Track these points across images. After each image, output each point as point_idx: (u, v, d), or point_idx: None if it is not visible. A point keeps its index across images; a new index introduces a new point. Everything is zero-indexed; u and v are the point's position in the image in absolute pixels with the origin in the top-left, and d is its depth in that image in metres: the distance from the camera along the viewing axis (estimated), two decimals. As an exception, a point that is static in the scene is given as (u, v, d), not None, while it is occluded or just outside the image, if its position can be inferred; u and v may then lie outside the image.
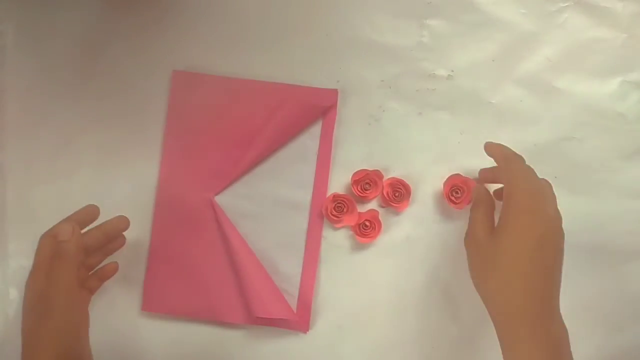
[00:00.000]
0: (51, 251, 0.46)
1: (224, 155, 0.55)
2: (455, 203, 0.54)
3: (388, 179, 0.55)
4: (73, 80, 0.56)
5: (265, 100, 0.55)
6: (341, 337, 0.55)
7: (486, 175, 0.52)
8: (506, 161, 0.47)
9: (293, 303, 0.55)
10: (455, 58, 0.55)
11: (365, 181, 0.55)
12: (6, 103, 0.56)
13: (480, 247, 0.45)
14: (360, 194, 0.54)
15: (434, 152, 0.55)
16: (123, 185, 0.55)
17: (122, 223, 0.50)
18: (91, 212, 0.49)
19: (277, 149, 0.55)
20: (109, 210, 0.55)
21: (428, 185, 0.55)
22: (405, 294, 0.55)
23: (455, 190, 0.54)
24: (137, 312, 0.55)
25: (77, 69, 0.56)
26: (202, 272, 0.55)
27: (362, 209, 0.56)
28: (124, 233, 0.51)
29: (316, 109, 0.54)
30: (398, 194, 0.55)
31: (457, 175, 0.54)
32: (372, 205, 0.56)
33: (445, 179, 0.54)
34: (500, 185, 0.52)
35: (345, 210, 0.55)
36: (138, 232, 0.54)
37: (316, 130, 0.55)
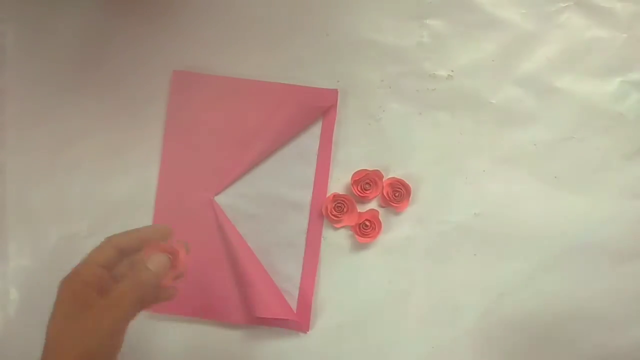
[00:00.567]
0: (109, 260, 0.42)
1: (224, 155, 0.55)
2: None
3: (388, 179, 0.55)
4: (73, 80, 0.56)
5: (265, 100, 0.55)
6: (341, 337, 0.55)
7: None
8: None
9: (293, 303, 0.55)
10: (455, 58, 0.55)
11: (365, 181, 0.55)
12: (6, 103, 0.56)
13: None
14: (360, 194, 0.54)
15: (434, 152, 0.55)
16: (123, 185, 0.55)
17: (163, 230, 0.45)
18: (161, 233, 0.45)
19: (277, 149, 0.55)
20: (109, 210, 0.55)
21: (428, 185, 0.55)
22: (405, 294, 0.55)
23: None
24: (142, 313, 0.55)
25: (77, 69, 0.56)
26: (202, 272, 0.55)
27: (362, 209, 0.56)
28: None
29: (316, 109, 0.54)
30: (398, 194, 0.55)
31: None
32: (372, 205, 0.56)
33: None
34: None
35: (345, 210, 0.55)
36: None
37: (316, 130, 0.55)
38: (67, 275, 0.42)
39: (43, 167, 0.56)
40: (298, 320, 0.54)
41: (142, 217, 0.55)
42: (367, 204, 0.56)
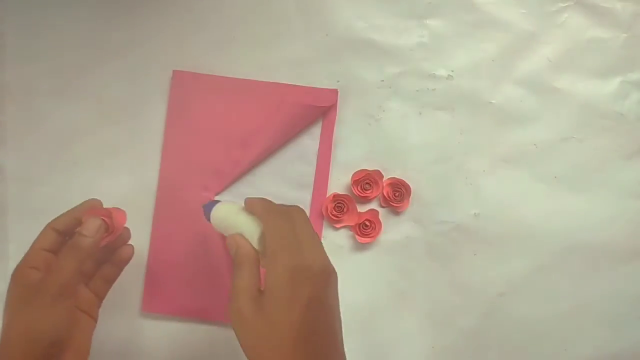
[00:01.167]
0: (52, 243, 0.44)
1: (224, 155, 0.55)
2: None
3: (388, 179, 0.55)
4: (73, 80, 0.56)
5: (265, 100, 0.55)
6: None
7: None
8: (266, 213, 0.42)
9: None
10: (455, 58, 0.55)
11: (366, 181, 0.55)
12: (6, 103, 0.56)
13: (249, 323, 0.38)
14: (361, 194, 0.54)
15: (434, 152, 0.55)
16: (123, 186, 0.55)
17: (92, 203, 0.47)
18: (93, 206, 0.47)
19: (277, 149, 0.55)
20: (109, 210, 0.55)
21: (428, 185, 0.55)
22: (405, 294, 0.55)
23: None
24: (137, 312, 0.55)
25: (77, 69, 0.56)
26: (202, 272, 0.55)
27: (362, 209, 0.56)
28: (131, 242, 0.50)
29: (316, 109, 0.54)
30: (398, 193, 0.55)
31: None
32: (372, 205, 0.56)
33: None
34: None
35: (345, 210, 0.55)
36: (138, 233, 0.54)
37: (316, 130, 0.55)
38: (17, 266, 0.44)
39: (43, 167, 0.56)
40: None
41: (142, 217, 0.55)
42: (367, 204, 0.56)
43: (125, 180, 0.55)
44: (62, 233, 0.45)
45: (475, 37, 0.55)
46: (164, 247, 0.55)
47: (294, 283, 0.38)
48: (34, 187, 0.55)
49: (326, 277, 0.40)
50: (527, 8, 0.55)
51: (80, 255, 0.43)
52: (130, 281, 0.55)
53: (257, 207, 0.43)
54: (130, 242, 0.51)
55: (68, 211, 0.46)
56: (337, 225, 0.55)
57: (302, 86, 0.55)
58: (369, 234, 0.54)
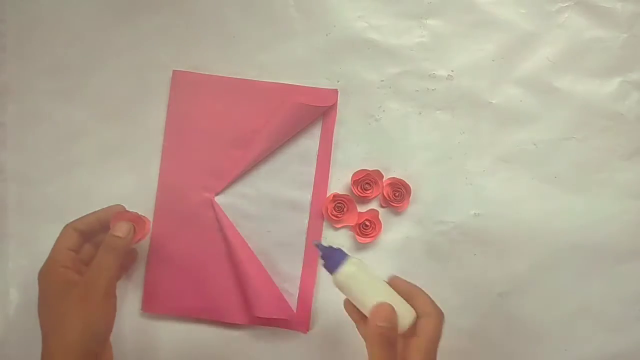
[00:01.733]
0: (75, 243, 0.47)
1: (224, 155, 0.55)
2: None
3: (388, 179, 0.55)
4: (73, 80, 0.56)
5: (266, 100, 0.55)
6: (341, 337, 0.55)
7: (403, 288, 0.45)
8: (433, 308, 0.44)
9: (293, 303, 0.55)
10: (455, 58, 0.55)
11: (366, 181, 0.55)
12: (6, 103, 0.56)
13: None
14: (361, 194, 0.54)
15: (434, 152, 0.55)
16: (123, 186, 0.55)
17: (115, 209, 0.50)
18: (118, 211, 0.50)
19: (277, 149, 0.55)
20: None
21: (428, 185, 0.55)
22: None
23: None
24: (138, 313, 0.55)
25: (77, 69, 0.56)
26: (202, 272, 0.55)
27: (363, 209, 0.56)
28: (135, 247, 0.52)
29: (316, 109, 0.54)
30: (398, 194, 0.55)
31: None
32: (373, 205, 0.56)
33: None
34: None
35: (345, 210, 0.55)
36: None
37: (316, 130, 0.55)
38: (44, 266, 0.46)
39: (43, 167, 0.56)
40: (298, 320, 0.54)
41: (142, 217, 0.55)
42: (367, 204, 0.56)
43: (125, 180, 0.55)
44: (84, 233, 0.48)
45: (475, 37, 0.55)
46: (164, 247, 0.55)
47: None
48: (34, 187, 0.55)
49: None
50: (527, 8, 0.55)
51: (118, 255, 0.46)
52: (130, 282, 0.55)
53: (421, 299, 0.44)
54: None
55: (90, 213, 0.49)
56: (337, 225, 0.55)
57: (302, 86, 0.55)
58: (369, 234, 0.54)
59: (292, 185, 0.55)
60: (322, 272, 0.55)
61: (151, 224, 0.50)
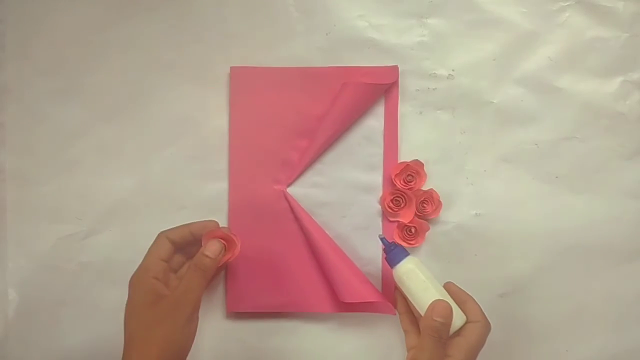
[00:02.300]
0: (168, 253, 0.48)
1: (290, 146, 0.55)
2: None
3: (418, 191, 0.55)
4: (73, 80, 0.56)
5: (325, 86, 0.54)
6: None
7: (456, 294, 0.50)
8: (483, 317, 0.48)
9: (378, 286, 0.54)
10: (455, 57, 0.55)
11: (407, 173, 0.54)
12: (6, 103, 0.56)
13: None
14: (405, 187, 0.54)
15: (434, 151, 0.55)
16: (123, 185, 0.55)
17: (210, 224, 0.51)
18: (212, 227, 0.50)
19: (342, 133, 0.55)
20: (109, 210, 0.55)
21: (428, 185, 0.55)
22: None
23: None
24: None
25: (76, 68, 0.56)
26: (283, 265, 0.54)
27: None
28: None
29: (378, 87, 0.54)
30: (427, 204, 0.54)
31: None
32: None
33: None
34: None
35: (402, 205, 0.54)
36: (136, 233, 0.54)
37: (380, 109, 0.55)
38: (136, 272, 0.47)
39: (43, 167, 0.56)
40: (385, 302, 0.53)
41: (142, 218, 0.55)
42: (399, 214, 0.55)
43: (125, 180, 0.55)
44: (175, 244, 0.49)
45: (476, 36, 0.55)
46: (242, 245, 0.54)
47: None
48: (33, 187, 0.55)
49: None
50: (528, 7, 0.55)
51: (206, 276, 0.46)
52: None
53: (472, 305, 0.48)
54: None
55: (184, 225, 0.50)
56: (391, 219, 0.54)
57: (360, 67, 0.55)
58: (411, 240, 0.54)
59: (362, 168, 0.55)
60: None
61: (240, 244, 0.50)
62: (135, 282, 0.47)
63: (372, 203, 0.55)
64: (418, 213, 0.54)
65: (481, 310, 0.48)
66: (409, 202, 0.54)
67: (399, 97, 0.55)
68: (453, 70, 0.55)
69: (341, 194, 0.55)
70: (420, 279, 0.48)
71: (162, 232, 0.49)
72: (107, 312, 0.55)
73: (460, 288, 0.49)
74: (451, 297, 0.48)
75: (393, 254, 0.49)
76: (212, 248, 0.47)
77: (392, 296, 0.54)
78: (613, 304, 0.55)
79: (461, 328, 0.47)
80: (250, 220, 0.55)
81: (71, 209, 0.55)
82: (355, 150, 0.55)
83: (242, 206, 0.55)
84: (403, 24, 0.55)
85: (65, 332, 0.54)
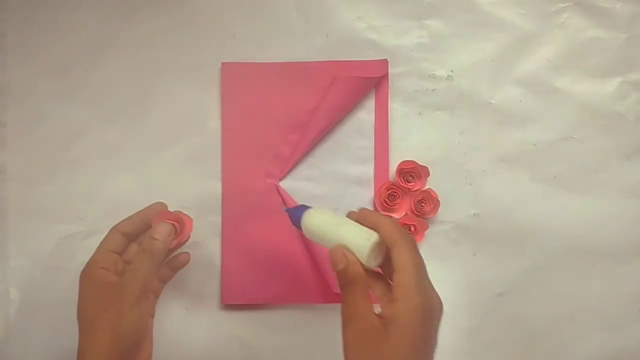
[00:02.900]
0: (118, 245, 0.47)
1: (282, 140, 0.55)
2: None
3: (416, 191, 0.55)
4: (73, 80, 0.56)
5: (316, 80, 0.55)
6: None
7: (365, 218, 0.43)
8: (402, 239, 0.39)
9: None
10: (455, 58, 0.55)
11: (410, 173, 0.54)
12: (6, 103, 0.56)
13: (371, 351, 0.38)
14: (404, 185, 0.54)
15: (433, 152, 0.55)
16: (123, 185, 0.55)
17: (158, 207, 0.49)
18: (160, 210, 0.49)
19: (333, 127, 0.55)
20: (109, 210, 0.55)
21: (428, 185, 0.55)
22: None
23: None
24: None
25: (77, 69, 0.56)
26: (277, 257, 0.55)
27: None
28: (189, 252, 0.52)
29: (368, 80, 0.54)
30: (425, 203, 0.55)
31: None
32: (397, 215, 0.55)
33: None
34: None
35: (398, 201, 0.54)
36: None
37: (370, 102, 0.55)
38: (85, 267, 0.46)
39: (43, 167, 0.56)
40: None
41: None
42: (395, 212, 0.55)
43: (127, 180, 0.56)
44: (128, 235, 0.48)
45: (475, 37, 0.55)
46: (236, 238, 0.55)
47: (425, 321, 0.38)
48: (34, 187, 0.56)
49: (441, 314, 0.40)
50: (526, 8, 0.55)
51: (154, 258, 0.45)
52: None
53: (385, 226, 0.40)
54: (198, 236, 0.53)
55: (134, 214, 0.48)
56: (384, 213, 0.55)
57: (350, 61, 0.55)
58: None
59: (353, 161, 0.55)
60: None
61: (190, 224, 0.49)
62: (83, 275, 0.46)
63: (363, 195, 0.55)
64: (416, 212, 0.55)
65: (397, 227, 0.40)
66: (404, 199, 0.55)
67: (400, 97, 0.55)
68: (452, 71, 0.55)
69: (333, 186, 0.55)
70: (323, 227, 0.42)
71: (113, 226, 0.48)
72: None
73: (372, 212, 0.43)
74: (366, 225, 0.41)
75: (295, 215, 0.44)
76: (160, 230, 0.45)
77: None
78: (611, 303, 0.55)
79: (390, 260, 0.39)
80: (243, 213, 0.55)
81: (72, 208, 0.55)
82: (347, 143, 0.55)
83: (235, 200, 0.55)
84: (402, 25, 0.55)
85: (66, 332, 0.54)
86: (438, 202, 0.54)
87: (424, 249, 0.55)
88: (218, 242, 0.55)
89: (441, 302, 0.40)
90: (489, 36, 0.55)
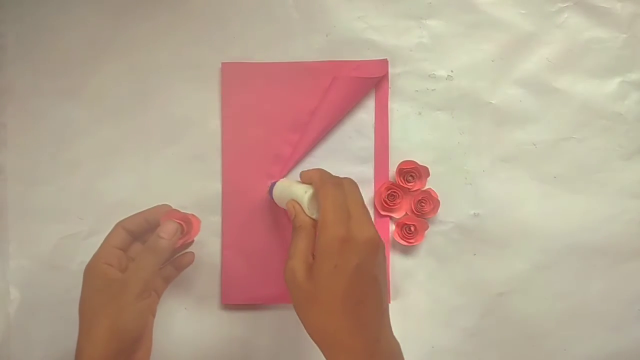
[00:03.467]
0: (123, 241, 0.47)
1: (283, 140, 0.55)
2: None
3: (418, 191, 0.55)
4: (73, 80, 0.56)
5: (316, 80, 0.55)
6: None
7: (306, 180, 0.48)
8: (321, 184, 0.44)
9: None
10: (454, 58, 0.55)
11: (410, 173, 0.54)
12: (6, 103, 0.56)
13: (300, 284, 0.41)
14: (403, 184, 0.54)
15: (433, 152, 0.56)
16: (123, 185, 0.55)
17: (163, 209, 0.49)
18: (166, 211, 0.49)
19: (333, 127, 0.55)
20: (109, 210, 0.55)
21: (428, 185, 0.55)
22: (405, 294, 0.55)
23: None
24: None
25: (77, 69, 0.56)
26: (277, 257, 0.55)
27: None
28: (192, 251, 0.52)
29: (368, 80, 0.54)
30: (424, 203, 0.55)
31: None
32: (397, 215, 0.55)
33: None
34: None
35: (398, 201, 0.54)
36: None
37: (370, 103, 0.55)
38: (89, 261, 0.46)
39: (43, 167, 0.56)
40: None
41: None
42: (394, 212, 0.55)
43: (127, 180, 0.56)
44: (132, 233, 0.48)
45: (475, 37, 0.55)
46: (237, 238, 0.55)
47: (342, 252, 0.40)
48: (34, 187, 0.56)
49: (373, 248, 0.41)
50: (526, 8, 0.55)
51: (158, 256, 0.45)
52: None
53: (313, 177, 0.46)
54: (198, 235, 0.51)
55: (139, 212, 0.48)
56: (383, 213, 0.55)
57: (350, 61, 0.55)
58: (409, 239, 0.54)
59: (353, 161, 0.55)
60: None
61: (198, 225, 0.49)
62: (87, 270, 0.46)
63: (363, 195, 0.55)
64: (416, 212, 0.55)
65: (315, 172, 0.46)
66: (404, 199, 0.54)
67: (400, 97, 0.55)
68: (452, 71, 0.55)
69: None
70: (284, 195, 0.49)
71: (118, 222, 0.48)
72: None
73: (308, 170, 0.47)
74: (304, 181, 0.47)
75: (271, 188, 0.52)
76: (166, 229, 0.45)
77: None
78: (611, 303, 0.55)
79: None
80: (243, 213, 0.55)
81: (72, 208, 0.55)
82: (347, 143, 0.56)
83: (235, 200, 0.55)
84: (402, 25, 0.55)
85: (66, 332, 0.54)
86: (438, 202, 0.54)
87: (424, 249, 0.55)
88: (218, 242, 0.55)
89: (376, 238, 0.41)
90: (489, 36, 0.55)
